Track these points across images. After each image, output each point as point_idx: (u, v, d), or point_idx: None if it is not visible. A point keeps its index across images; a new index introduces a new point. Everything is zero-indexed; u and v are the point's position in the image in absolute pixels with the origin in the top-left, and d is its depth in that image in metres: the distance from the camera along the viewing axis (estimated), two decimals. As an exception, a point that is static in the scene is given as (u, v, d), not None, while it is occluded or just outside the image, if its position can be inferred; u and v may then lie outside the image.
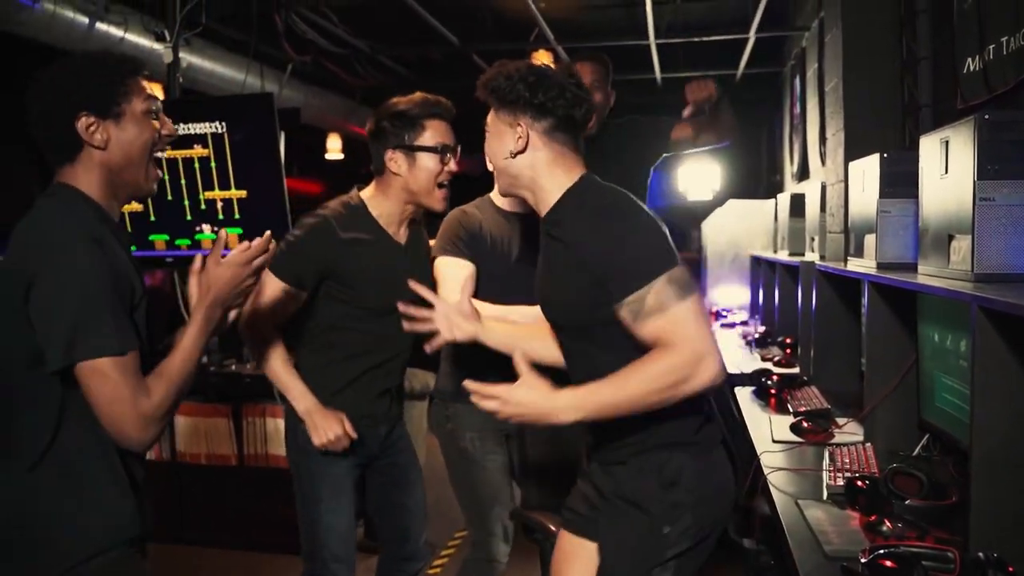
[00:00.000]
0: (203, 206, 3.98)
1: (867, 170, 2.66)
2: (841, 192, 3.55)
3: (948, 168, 1.95)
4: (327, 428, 2.26)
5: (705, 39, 6.82)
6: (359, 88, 7.97)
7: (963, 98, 2.76)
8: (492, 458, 2.52)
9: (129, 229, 4.10)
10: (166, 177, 3.98)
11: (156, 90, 6.05)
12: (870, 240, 2.62)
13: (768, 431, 2.65)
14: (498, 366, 1.90)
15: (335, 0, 5.90)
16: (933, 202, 2.07)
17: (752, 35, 6.61)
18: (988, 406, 1.54)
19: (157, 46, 4.80)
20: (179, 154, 3.94)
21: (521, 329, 2.08)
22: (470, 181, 2.97)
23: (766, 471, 2.22)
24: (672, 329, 1.62)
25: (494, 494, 2.51)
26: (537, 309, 1.97)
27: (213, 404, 4.03)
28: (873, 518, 1.72)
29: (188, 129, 3.90)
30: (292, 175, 6.72)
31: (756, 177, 10.38)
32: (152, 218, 4.08)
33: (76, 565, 1.55)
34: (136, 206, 4.07)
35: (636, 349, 1.66)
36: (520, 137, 1.78)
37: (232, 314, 1.79)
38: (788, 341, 4.13)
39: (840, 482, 1.98)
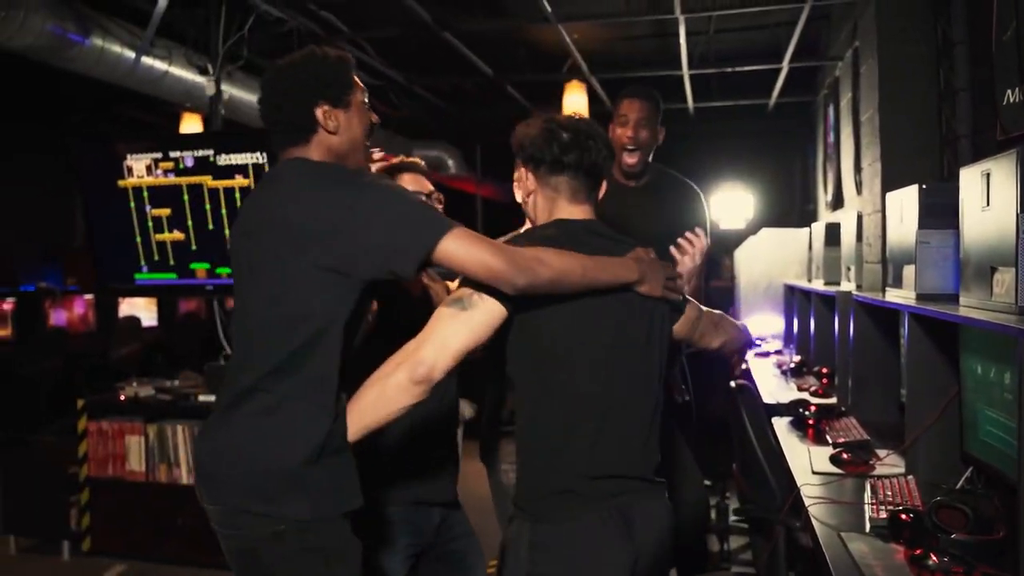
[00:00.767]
0: (244, 235, 4.05)
1: (905, 201, 2.66)
2: (878, 222, 3.54)
3: (990, 200, 1.95)
4: None
5: (739, 69, 6.85)
6: (393, 118, 8.09)
7: (1003, 129, 2.76)
8: None
9: (171, 259, 4.19)
10: (207, 207, 4.07)
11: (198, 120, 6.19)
12: (909, 271, 2.61)
13: (807, 462, 2.64)
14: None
15: (371, 33, 6.02)
16: (975, 234, 2.07)
17: (785, 65, 6.64)
18: (1036, 440, 1.53)
19: (200, 79, 4.92)
20: (220, 184, 4.03)
21: None
22: (501, 208, 3.04)
23: (807, 503, 2.21)
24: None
25: None
26: None
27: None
28: (918, 552, 1.71)
29: (229, 160, 3.99)
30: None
31: (789, 206, 10.35)
32: (193, 247, 4.16)
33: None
34: (178, 235, 4.16)
35: None
36: (528, 183, 1.96)
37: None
38: (824, 371, 4.11)
39: (883, 515, 1.97)
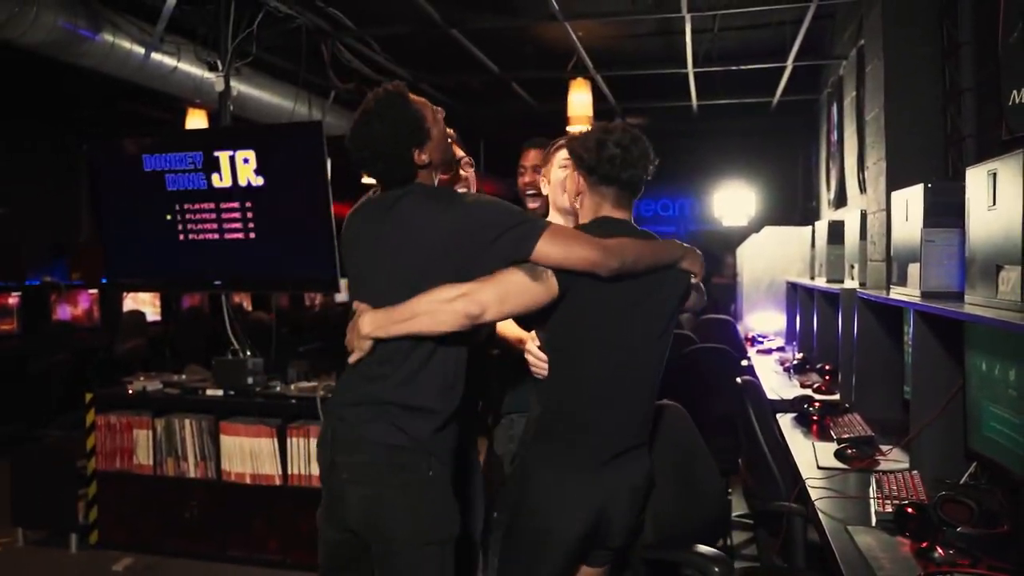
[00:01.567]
0: (253, 230, 4.10)
1: (911, 199, 2.69)
2: (883, 220, 3.57)
3: (996, 200, 1.98)
4: None
5: (743, 67, 6.88)
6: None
7: (1008, 129, 2.79)
8: None
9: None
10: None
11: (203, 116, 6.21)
12: (914, 269, 2.64)
13: (812, 457, 2.67)
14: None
15: (379, 30, 6.04)
16: (981, 233, 2.10)
17: (790, 64, 6.66)
18: (1040, 435, 1.56)
19: (209, 75, 4.95)
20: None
21: None
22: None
23: (813, 496, 2.24)
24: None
25: None
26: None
27: (258, 424, 4.11)
28: (924, 545, 1.74)
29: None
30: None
31: (791, 203, 10.38)
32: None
33: None
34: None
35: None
36: (579, 186, 2.20)
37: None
38: (827, 368, 4.14)
39: (889, 509, 2.00)
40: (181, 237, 4.21)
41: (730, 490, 4.56)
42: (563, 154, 2.56)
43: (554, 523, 2.05)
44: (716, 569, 2.12)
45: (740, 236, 8.76)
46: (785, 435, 3.05)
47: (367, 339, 2.01)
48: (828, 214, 6.58)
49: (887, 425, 2.96)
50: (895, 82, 3.60)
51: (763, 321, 6.57)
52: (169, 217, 4.20)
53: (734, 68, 6.96)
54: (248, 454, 4.13)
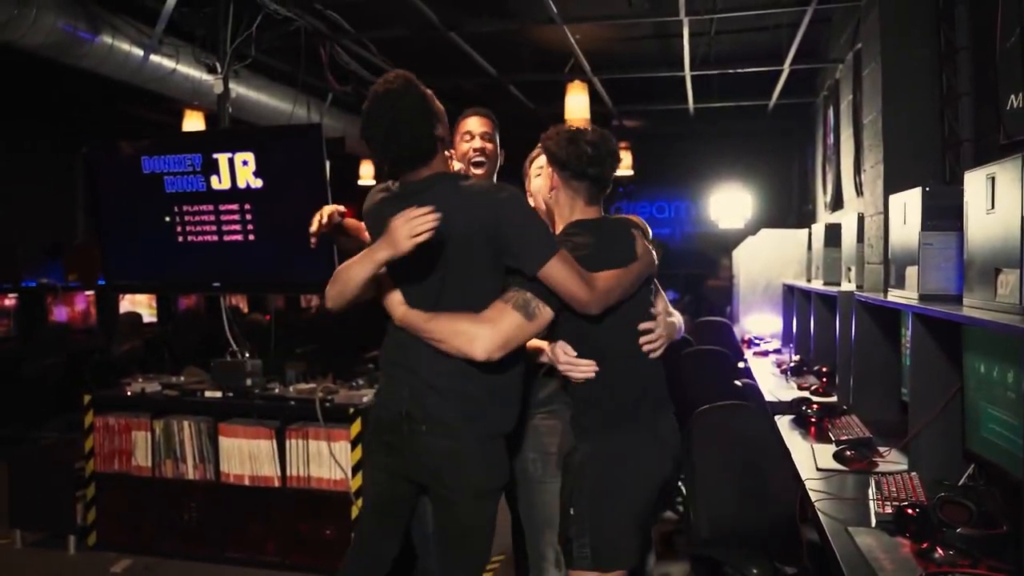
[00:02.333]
0: (252, 232, 4.11)
1: (908, 203, 2.71)
2: (880, 223, 3.59)
3: (995, 203, 2.00)
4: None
5: (740, 71, 6.90)
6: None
7: (1006, 133, 2.81)
8: (552, 484, 2.53)
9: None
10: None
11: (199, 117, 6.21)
12: (912, 272, 2.66)
13: (811, 459, 2.69)
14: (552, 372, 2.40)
15: (376, 33, 6.05)
16: (979, 236, 2.12)
17: (786, 67, 6.69)
18: (1039, 436, 1.57)
19: (207, 77, 4.95)
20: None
21: None
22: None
23: (813, 498, 2.25)
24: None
25: (548, 518, 2.51)
26: None
27: (257, 426, 4.12)
28: (925, 546, 1.76)
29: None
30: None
31: (787, 206, 10.41)
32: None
33: None
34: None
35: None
36: (554, 182, 2.35)
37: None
38: (824, 370, 4.16)
39: (888, 510, 2.01)
40: (180, 239, 4.22)
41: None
42: (540, 161, 2.67)
43: (654, 463, 2.28)
44: (755, 571, 2.16)
45: (736, 238, 8.79)
46: (784, 437, 3.06)
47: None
48: (824, 217, 6.60)
49: (884, 427, 2.97)
50: (893, 86, 3.62)
51: (759, 323, 6.59)
52: (168, 219, 4.21)
53: (731, 71, 6.98)
54: (247, 456, 4.13)
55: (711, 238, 12.52)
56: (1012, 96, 2.77)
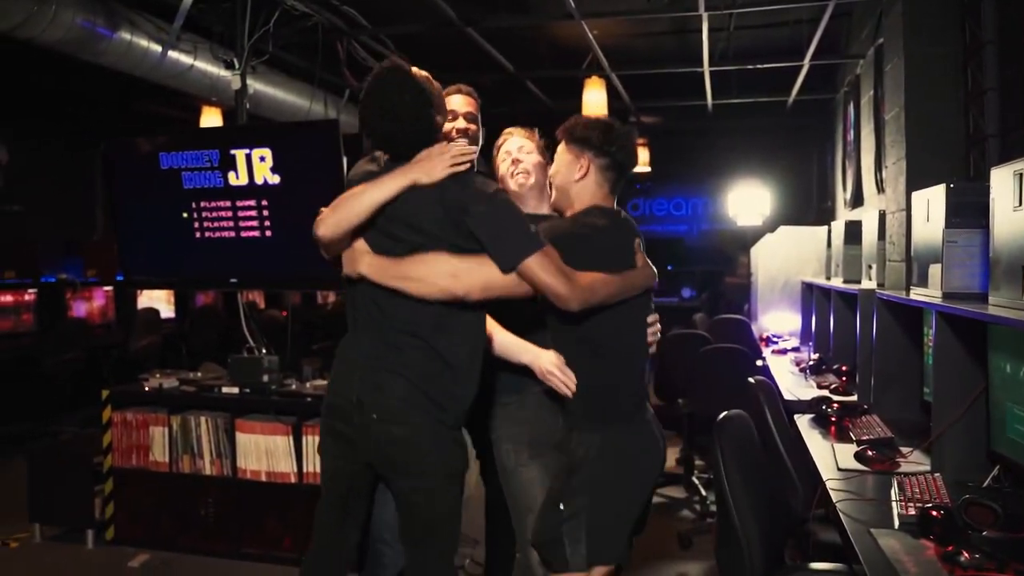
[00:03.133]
0: (269, 228, 4.10)
1: (932, 199, 2.67)
2: (902, 221, 3.54)
3: (1022, 200, 1.96)
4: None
5: (759, 66, 6.84)
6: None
7: (1032, 129, 2.77)
8: (529, 471, 2.53)
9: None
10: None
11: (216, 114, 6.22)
12: (935, 269, 2.62)
13: (832, 459, 2.65)
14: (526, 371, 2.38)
15: (393, 29, 6.04)
16: (1005, 233, 2.08)
17: (806, 63, 6.62)
18: (1069, 438, 1.54)
19: (225, 73, 4.96)
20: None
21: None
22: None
23: (834, 499, 2.22)
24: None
25: (529, 505, 2.49)
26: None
27: (274, 422, 4.12)
28: (950, 548, 1.72)
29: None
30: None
31: (806, 203, 10.34)
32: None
33: None
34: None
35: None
36: (582, 167, 2.35)
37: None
38: (844, 368, 4.12)
39: (912, 512, 1.98)
40: (197, 235, 4.22)
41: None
42: (509, 146, 2.71)
43: (655, 455, 2.33)
44: None
45: (754, 235, 8.73)
46: (804, 436, 3.03)
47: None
48: (844, 214, 6.54)
49: (906, 427, 2.94)
50: (916, 81, 3.57)
51: (778, 321, 6.54)
52: (185, 215, 4.21)
53: (750, 67, 6.93)
54: (263, 452, 4.13)
55: (729, 235, 12.46)
56: (1039, 91, 2.72)
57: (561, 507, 2.22)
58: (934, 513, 1.88)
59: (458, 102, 2.73)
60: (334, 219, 2.20)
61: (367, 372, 2.23)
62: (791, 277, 6.48)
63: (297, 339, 6.72)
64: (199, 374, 4.66)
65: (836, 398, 3.47)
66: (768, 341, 5.92)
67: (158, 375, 4.58)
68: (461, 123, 2.70)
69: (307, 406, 4.12)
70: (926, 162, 3.52)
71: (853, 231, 4.37)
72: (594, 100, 6.44)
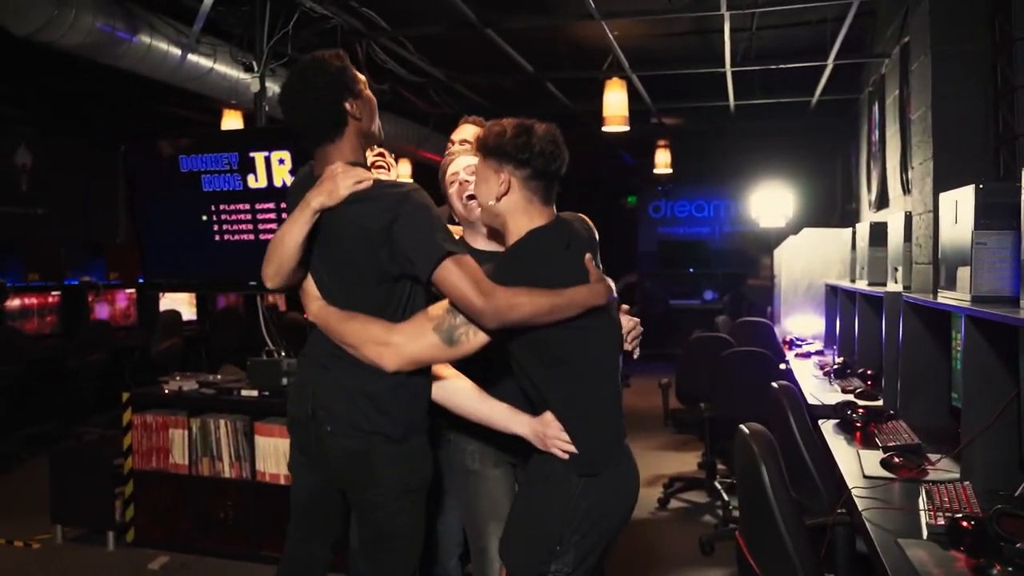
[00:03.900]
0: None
1: (960, 201, 2.61)
2: (929, 222, 3.48)
3: (1055, 201, 1.90)
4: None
5: (782, 66, 6.77)
6: (434, 115, 8.10)
7: (1063, 128, 2.70)
8: (493, 473, 2.45)
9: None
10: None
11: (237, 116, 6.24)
12: (964, 272, 2.56)
13: (857, 466, 2.60)
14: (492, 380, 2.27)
15: (413, 30, 6.03)
16: (1038, 235, 2.02)
17: (830, 62, 6.54)
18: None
19: (244, 76, 4.96)
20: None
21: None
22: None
23: (860, 506, 2.17)
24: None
25: (491, 509, 2.41)
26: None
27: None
28: (981, 560, 1.67)
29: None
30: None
31: (830, 205, 10.22)
32: (238, 242, 4.19)
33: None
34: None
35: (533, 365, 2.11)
36: (503, 183, 2.11)
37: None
38: (869, 373, 4.05)
39: (941, 521, 1.93)
40: (217, 238, 4.22)
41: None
42: (455, 166, 2.54)
43: (633, 497, 2.19)
44: None
45: (777, 237, 8.65)
46: (828, 442, 2.97)
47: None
48: (869, 216, 6.45)
49: (933, 433, 2.88)
50: (943, 79, 3.50)
51: (801, 324, 6.47)
52: (205, 218, 4.21)
53: (772, 67, 6.86)
54: (282, 455, 4.12)
55: (751, 237, 12.36)
56: (1072, 89, 2.65)
57: (558, 548, 2.06)
58: (964, 524, 1.82)
59: (467, 132, 2.68)
60: (273, 269, 2.18)
61: (320, 384, 2.18)
62: (815, 279, 6.41)
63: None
64: (219, 376, 4.66)
65: (861, 403, 3.41)
66: (791, 344, 5.86)
67: (177, 377, 4.60)
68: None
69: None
70: (954, 162, 3.45)
71: (878, 233, 4.31)
72: (615, 102, 6.40)
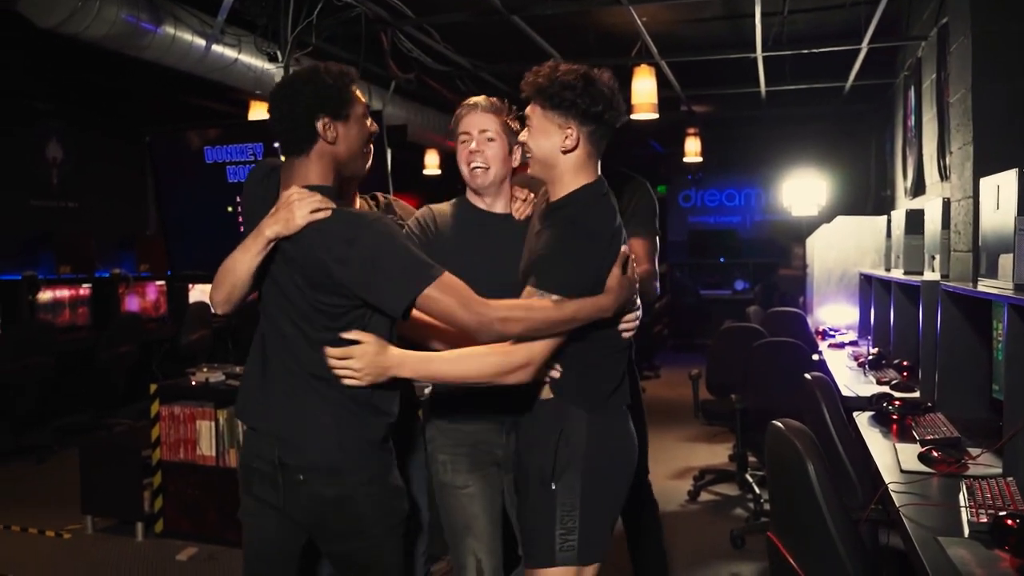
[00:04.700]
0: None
1: (1003, 185, 2.52)
2: (969, 209, 3.37)
3: (1106, 184, 1.81)
4: None
5: (814, 51, 6.63)
6: (458, 105, 8.04)
7: (1112, 108, 2.59)
8: (467, 487, 2.32)
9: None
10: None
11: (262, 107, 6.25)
12: (1006, 260, 2.47)
13: (894, 460, 2.52)
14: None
15: (438, 18, 5.98)
16: (1086, 220, 1.93)
17: (864, 46, 6.39)
18: None
19: (269, 66, 4.95)
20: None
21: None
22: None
23: (897, 502, 2.10)
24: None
25: (466, 524, 2.30)
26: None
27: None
28: (1027, 561, 1.60)
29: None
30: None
31: (864, 192, 10.04)
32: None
33: None
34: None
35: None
36: (568, 137, 2.00)
37: None
38: (905, 364, 3.95)
39: (983, 519, 1.85)
40: (242, 229, 4.19)
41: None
42: (473, 123, 2.30)
43: (633, 451, 2.14)
44: None
45: (810, 226, 8.50)
46: (864, 435, 2.89)
47: None
48: (904, 203, 6.32)
49: (973, 426, 2.78)
50: (984, 61, 3.39)
51: (834, 314, 6.36)
52: (230, 209, 4.21)
53: (805, 52, 6.72)
54: (308, 446, 4.11)
55: (783, 226, 12.19)
56: (1122, 67, 2.54)
57: (553, 487, 2.00)
58: (1009, 522, 1.74)
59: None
60: (223, 296, 2.04)
61: (283, 421, 1.99)
62: (848, 268, 6.30)
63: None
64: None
65: (897, 395, 3.32)
66: (824, 335, 5.75)
67: (204, 369, 4.60)
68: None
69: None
70: (995, 146, 3.34)
71: (915, 220, 4.20)
72: (644, 89, 6.30)
